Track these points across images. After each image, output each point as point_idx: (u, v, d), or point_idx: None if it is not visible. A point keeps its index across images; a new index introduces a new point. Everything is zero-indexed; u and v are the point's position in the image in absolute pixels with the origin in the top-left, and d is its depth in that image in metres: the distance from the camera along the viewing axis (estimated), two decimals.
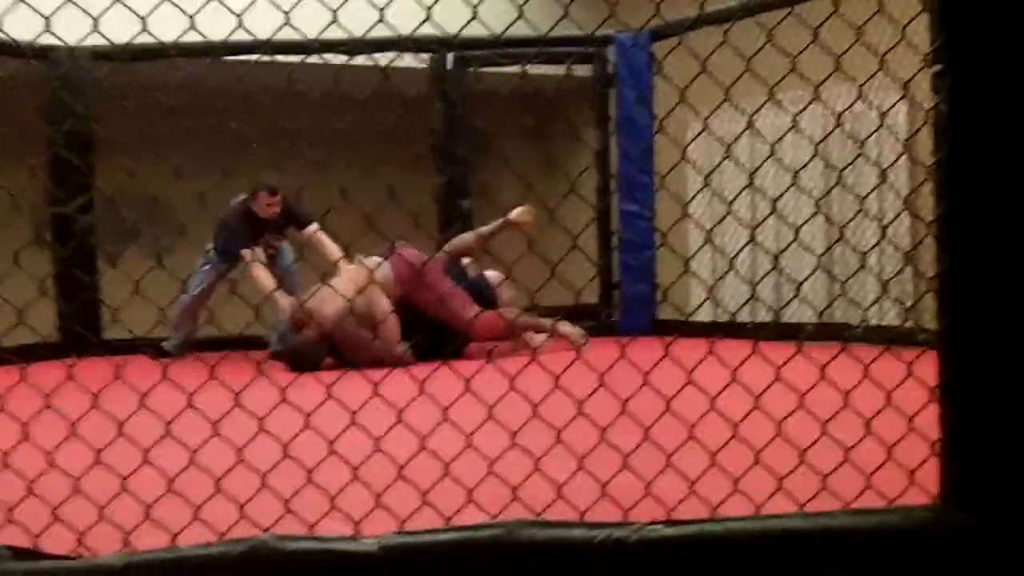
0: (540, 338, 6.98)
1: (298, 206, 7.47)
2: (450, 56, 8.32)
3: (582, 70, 8.82)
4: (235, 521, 2.10)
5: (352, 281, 6.34)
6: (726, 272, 2.29)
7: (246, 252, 7.28)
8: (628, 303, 8.40)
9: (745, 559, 1.97)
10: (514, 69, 7.97)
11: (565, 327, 7.04)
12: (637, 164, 8.23)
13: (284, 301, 6.90)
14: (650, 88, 8.17)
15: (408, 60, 7.87)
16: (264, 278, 7.36)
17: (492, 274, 7.40)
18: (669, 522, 2.01)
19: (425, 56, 8.34)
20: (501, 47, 7.48)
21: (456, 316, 6.76)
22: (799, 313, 7.16)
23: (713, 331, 2.30)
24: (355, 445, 2.22)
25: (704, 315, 8.07)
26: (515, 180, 2.26)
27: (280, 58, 6.64)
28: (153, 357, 6.26)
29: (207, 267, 7.45)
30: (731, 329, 5.92)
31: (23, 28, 2.36)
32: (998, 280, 1.96)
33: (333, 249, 7.18)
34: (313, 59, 7.09)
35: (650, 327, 7.99)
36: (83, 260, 7.51)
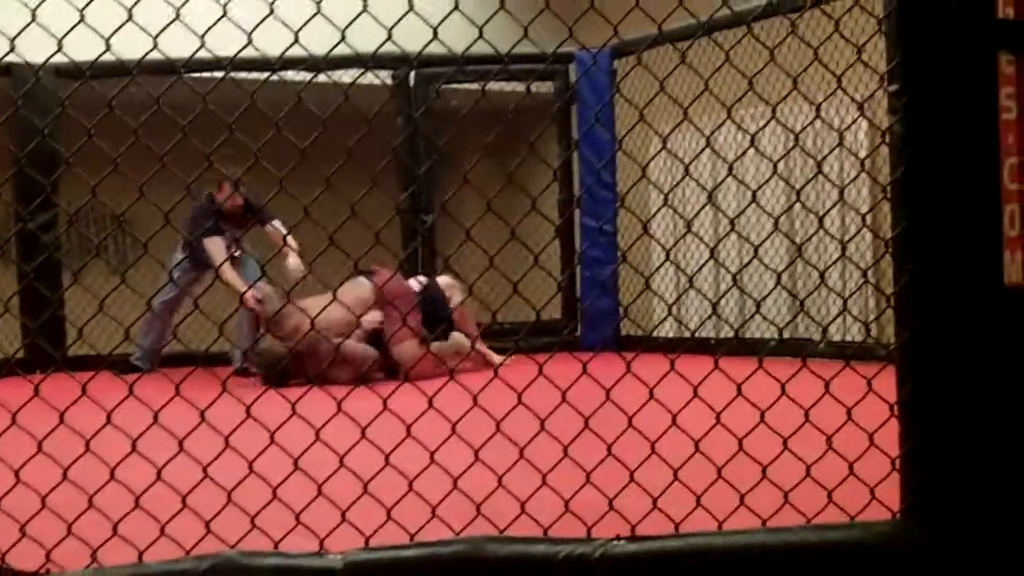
0: (499, 357, 7.02)
1: (259, 203, 7.48)
2: (412, 74, 8.36)
3: (544, 87, 8.87)
4: (201, 537, 2.10)
5: (350, 294, 6.37)
6: (686, 289, 2.31)
7: (212, 242, 7.27)
8: (591, 319, 8.43)
9: (708, 574, 2.00)
10: (476, 86, 7.99)
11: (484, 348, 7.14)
12: (599, 181, 8.27)
13: (254, 302, 6.90)
14: (611, 105, 8.21)
15: (370, 77, 7.89)
16: (234, 278, 7.36)
17: (443, 280, 7.43)
18: (632, 538, 2.03)
19: (387, 73, 8.37)
20: (462, 65, 7.51)
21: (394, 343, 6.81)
22: (762, 329, 7.22)
23: (676, 347, 2.32)
24: (320, 462, 2.22)
25: (668, 331, 8.11)
26: (477, 196, 2.28)
27: (243, 76, 6.63)
28: (117, 374, 6.21)
29: (177, 273, 7.43)
30: (694, 345, 5.96)
31: None
32: (956, 297, 1.99)
33: (293, 245, 7.20)
34: (276, 77, 7.10)
35: (613, 343, 8.02)
36: (48, 277, 7.49)
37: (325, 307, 2.55)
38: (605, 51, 8.15)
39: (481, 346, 7.19)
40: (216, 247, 7.35)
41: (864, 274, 2.16)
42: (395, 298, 6.87)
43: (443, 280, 7.43)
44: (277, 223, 7.44)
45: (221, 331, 2.33)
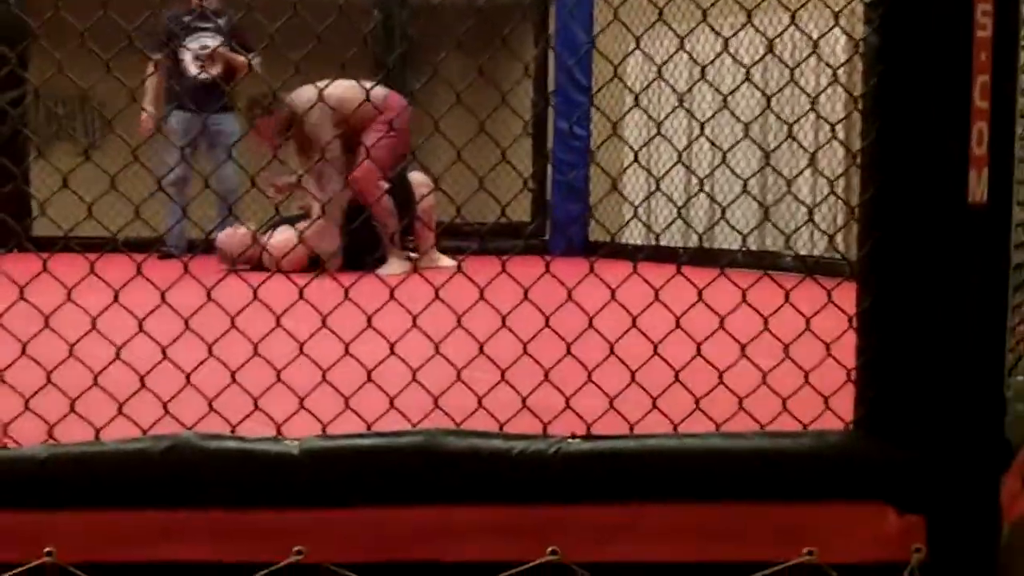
0: (448, 261, 6.97)
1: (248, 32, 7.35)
2: None
3: None
4: (159, 418, 2.11)
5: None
6: (653, 191, 2.32)
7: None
8: (559, 223, 8.44)
9: (661, 476, 2.02)
10: None
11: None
12: (572, 81, 8.23)
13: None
14: (590, 5, 8.14)
15: None
16: (151, 92, 7.25)
17: (417, 177, 7.33)
18: (587, 437, 2.05)
19: None
20: None
21: (365, 172, 6.67)
22: (730, 240, 7.25)
23: (643, 254, 2.33)
24: (280, 349, 2.23)
25: (637, 238, 8.13)
26: (448, 92, 2.26)
27: None
28: (159, 258, 6.17)
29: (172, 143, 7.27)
30: (661, 253, 5.98)
31: None
32: (920, 212, 2.00)
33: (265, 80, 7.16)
34: None
35: (581, 248, 8.04)
36: (13, 153, 7.42)
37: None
38: None
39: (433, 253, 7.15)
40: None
41: (831, 185, 2.17)
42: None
43: (416, 176, 7.34)
44: (258, 60, 7.32)
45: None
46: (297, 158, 7.00)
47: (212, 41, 7.64)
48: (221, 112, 7.49)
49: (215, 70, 7.66)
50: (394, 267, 6.64)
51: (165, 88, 7.68)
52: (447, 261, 6.98)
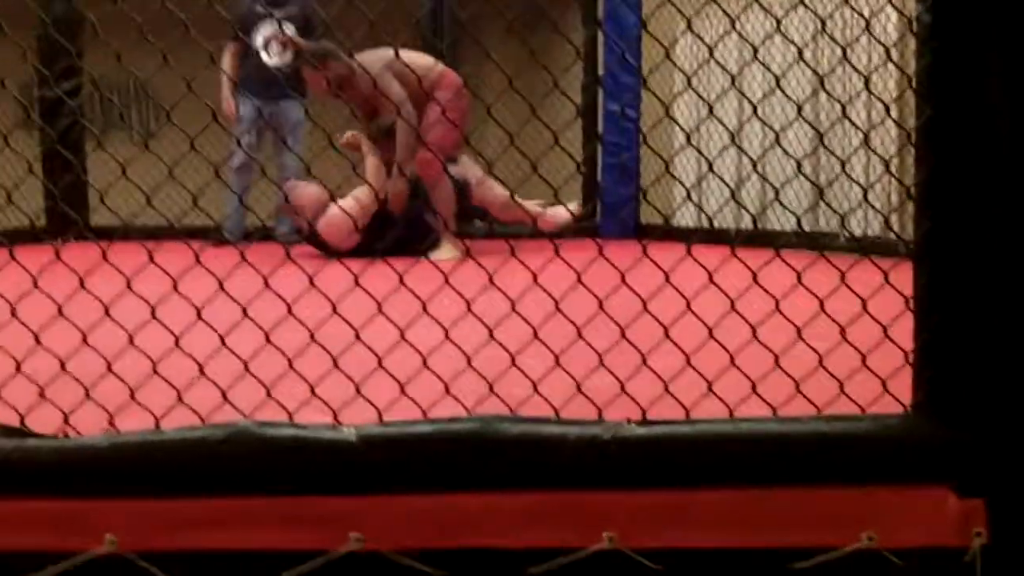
0: (560, 212, 6.92)
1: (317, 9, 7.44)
2: None
3: None
4: (217, 406, 2.13)
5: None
6: (706, 173, 2.31)
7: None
8: (610, 206, 8.41)
9: (717, 461, 2.02)
10: None
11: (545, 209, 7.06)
12: (623, 64, 8.20)
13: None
14: None
15: None
16: (227, 67, 7.37)
17: (471, 172, 7.33)
18: (643, 422, 2.05)
19: None
20: None
21: (426, 153, 6.56)
22: (782, 222, 7.21)
23: (695, 237, 2.32)
24: (336, 336, 2.24)
25: (688, 221, 8.10)
26: (499, 76, 2.26)
27: None
28: (214, 244, 6.25)
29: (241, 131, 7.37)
30: (713, 236, 5.96)
31: None
32: (977, 190, 1.98)
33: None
34: None
35: (633, 231, 8.02)
36: (71, 144, 7.50)
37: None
38: None
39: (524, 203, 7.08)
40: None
41: (886, 164, 2.16)
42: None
43: (471, 172, 7.32)
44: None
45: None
46: (361, 123, 6.97)
47: (285, 28, 7.72)
48: (288, 99, 7.55)
49: (286, 57, 7.74)
50: (447, 252, 6.63)
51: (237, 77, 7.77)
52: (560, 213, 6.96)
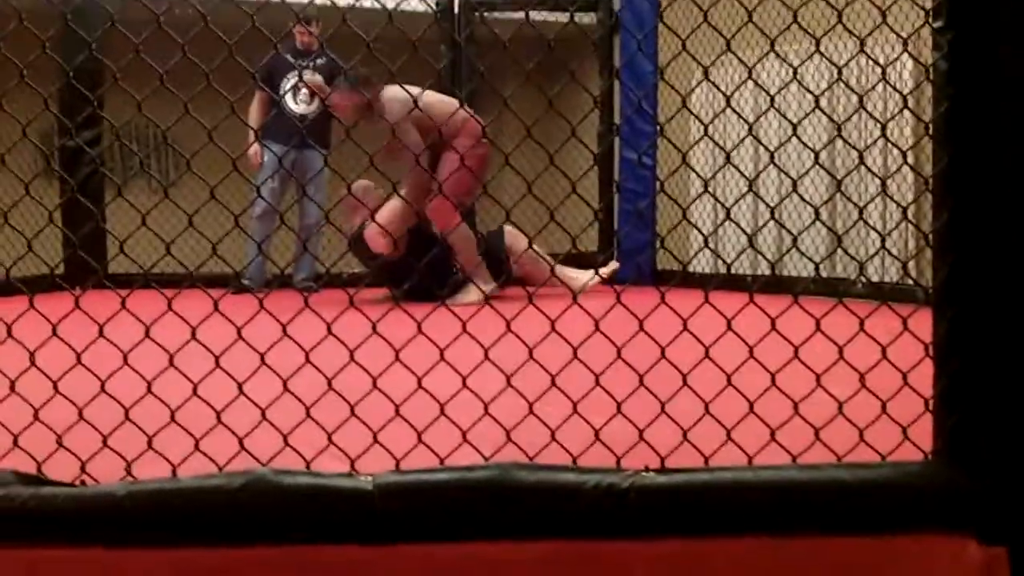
0: (583, 277, 6.71)
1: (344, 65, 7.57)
2: (456, 1, 8.35)
3: (588, 18, 8.83)
4: (235, 454, 2.13)
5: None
6: (723, 221, 2.31)
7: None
8: (627, 251, 8.42)
9: (737, 509, 2.00)
10: (519, 15, 7.98)
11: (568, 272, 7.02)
12: (639, 112, 8.23)
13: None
14: (655, 36, 8.15)
15: (415, 3, 7.87)
16: (254, 114, 7.46)
17: (509, 231, 7.30)
18: (662, 470, 2.04)
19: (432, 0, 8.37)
20: None
21: (440, 201, 6.52)
22: (799, 267, 7.20)
23: (712, 283, 2.32)
24: (353, 383, 2.24)
25: (705, 266, 8.10)
26: (517, 125, 2.27)
27: None
28: (233, 292, 6.26)
29: (264, 178, 7.44)
30: (730, 282, 5.94)
31: None
32: (995, 236, 1.98)
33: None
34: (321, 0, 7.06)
35: (650, 276, 8.01)
36: (91, 193, 7.55)
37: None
38: None
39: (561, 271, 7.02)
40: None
41: (904, 212, 2.15)
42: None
43: (509, 230, 7.28)
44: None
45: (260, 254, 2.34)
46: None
47: (309, 78, 7.83)
48: (312, 148, 7.61)
49: (312, 106, 7.83)
50: (472, 294, 6.65)
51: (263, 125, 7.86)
52: (581, 278, 6.87)
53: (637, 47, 8.22)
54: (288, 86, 7.90)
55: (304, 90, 7.86)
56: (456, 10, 8.43)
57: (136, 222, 2.17)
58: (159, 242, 2.17)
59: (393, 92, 6.49)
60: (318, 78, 7.75)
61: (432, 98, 6.64)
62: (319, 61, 7.94)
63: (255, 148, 7.76)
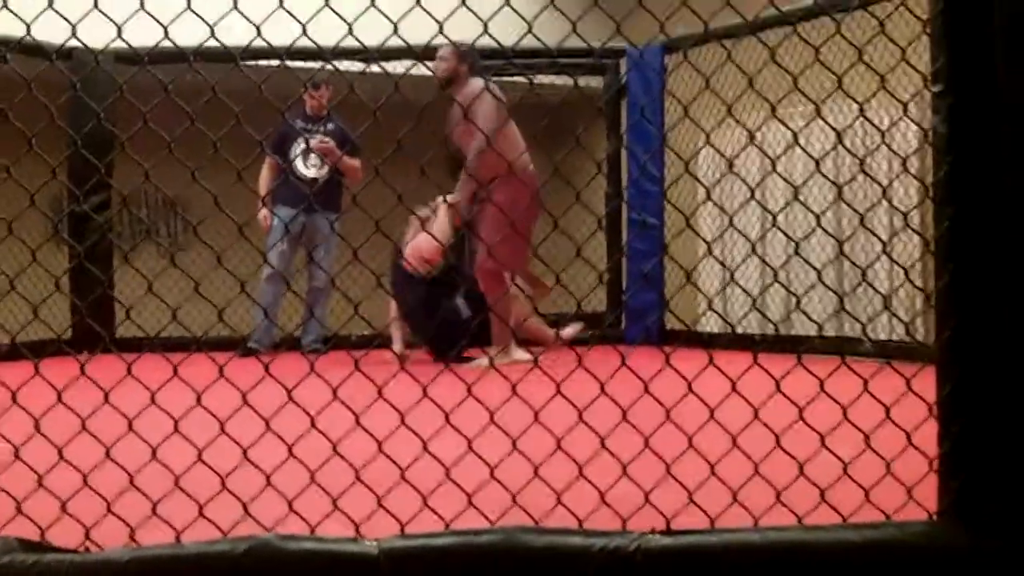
0: (524, 356, 6.59)
1: (351, 133, 7.61)
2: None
3: (594, 82, 8.89)
4: (239, 520, 2.13)
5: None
6: (728, 282, 2.32)
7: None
8: (634, 312, 8.42)
9: (743, 571, 2.00)
10: (524, 79, 8.04)
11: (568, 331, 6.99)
12: (645, 174, 8.27)
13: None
14: (661, 101, 8.20)
15: (423, 69, 7.91)
16: (264, 180, 7.67)
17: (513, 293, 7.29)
18: (668, 532, 2.04)
19: None
20: (511, 59, 7.53)
21: (505, 257, 6.21)
22: (806, 328, 7.19)
23: (719, 343, 2.33)
24: (358, 447, 2.25)
25: (712, 327, 8.10)
26: None
27: (297, 64, 6.71)
28: (243, 355, 6.30)
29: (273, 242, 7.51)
30: (737, 341, 5.95)
31: (48, 30, 2.43)
32: (997, 296, 1.99)
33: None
34: (330, 67, 7.12)
35: (657, 337, 8.01)
36: (100, 259, 7.58)
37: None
38: (656, 47, 8.14)
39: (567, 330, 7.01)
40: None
41: (906, 273, 2.18)
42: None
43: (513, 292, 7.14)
44: (358, 163, 7.61)
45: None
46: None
47: (321, 143, 7.91)
48: (324, 212, 7.67)
49: (322, 170, 7.89)
50: (500, 358, 6.33)
51: (274, 187, 7.93)
52: (523, 355, 6.83)
53: (640, 113, 8.27)
54: (298, 151, 7.97)
55: (313, 154, 7.92)
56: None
57: (144, 287, 2.18)
58: (168, 306, 2.18)
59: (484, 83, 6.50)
60: (330, 142, 7.84)
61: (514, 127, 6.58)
62: (329, 126, 8.02)
63: (264, 213, 7.82)
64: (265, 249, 7.47)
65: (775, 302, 7.95)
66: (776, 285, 7.57)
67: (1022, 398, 1.98)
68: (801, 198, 2.19)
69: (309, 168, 8.00)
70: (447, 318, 6.86)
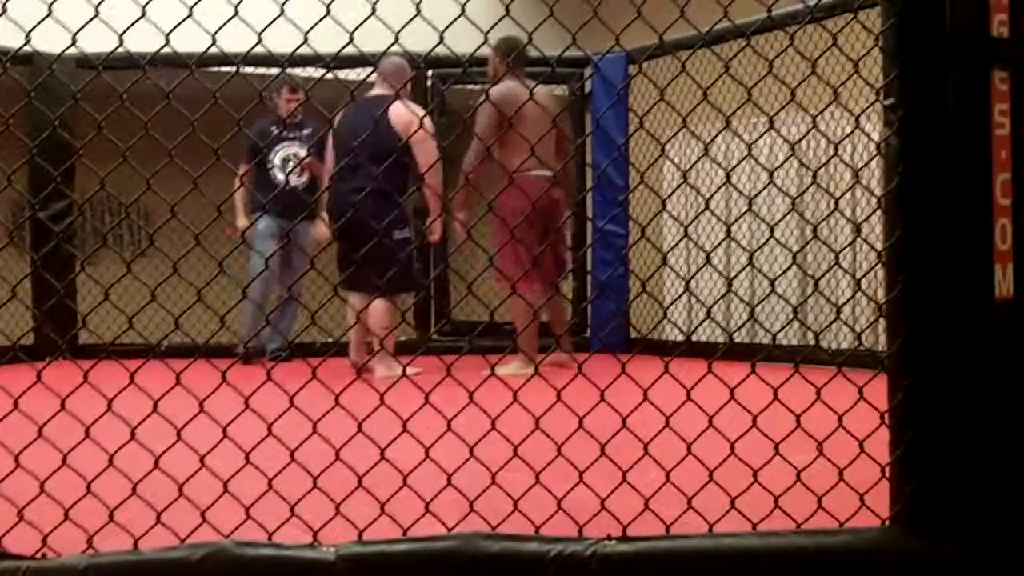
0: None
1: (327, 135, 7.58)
2: (431, 74, 8.42)
3: (559, 90, 8.93)
4: (196, 526, 2.13)
5: None
6: (682, 292, 2.34)
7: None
8: (599, 320, 8.44)
9: None
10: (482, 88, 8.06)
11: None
12: (610, 183, 8.30)
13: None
14: (624, 110, 8.22)
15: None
16: (240, 202, 7.60)
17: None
18: (623, 538, 2.05)
19: None
20: (469, 67, 7.54)
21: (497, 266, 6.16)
22: (769, 336, 7.22)
23: (682, 350, 2.34)
24: (316, 454, 2.25)
25: (677, 335, 8.13)
26: (483, 197, 2.31)
27: (252, 71, 6.67)
28: (244, 362, 6.28)
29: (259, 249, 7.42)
30: (700, 348, 5.96)
31: (7, 35, 2.43)
32: (947, 307, 2.01)
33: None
34: (286, 73, 7.08)
35: (622, 346, 8.03)
36: (60, 266, 7.53)
37: None
38: (618, 56, 8.16)
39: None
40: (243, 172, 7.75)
41: (857, 283, 2.21)
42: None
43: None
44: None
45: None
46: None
47: (298, 150, 7.84)
48: (304, 220, 7.61)
49: (302, 178, 7.85)
50: (514, 367, 6.05)
51: (251, 196, 7.84)
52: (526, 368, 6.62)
53: (596, 124, 8.29)
54: (277, 159, 7.90)
55: (293, 162, 7.86)
56: (428, 83, 8.49)
57: (103, 293, 2.18)
58: (131, 309, 2.18)
59: (504, 86, 6.56)
60: (301, 150, 7.79)
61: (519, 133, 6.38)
62: (305, 131, 7.97)
63: (242, 222, 7.76)
64: (250, 256, 7.35)
65: (738, 309, 7.99)
66: (738, 292, 7.61)
67: (972, 405, 2.01)
68: (764, 206, 2.21)
69: (290, 176, 7.89)
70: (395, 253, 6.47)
